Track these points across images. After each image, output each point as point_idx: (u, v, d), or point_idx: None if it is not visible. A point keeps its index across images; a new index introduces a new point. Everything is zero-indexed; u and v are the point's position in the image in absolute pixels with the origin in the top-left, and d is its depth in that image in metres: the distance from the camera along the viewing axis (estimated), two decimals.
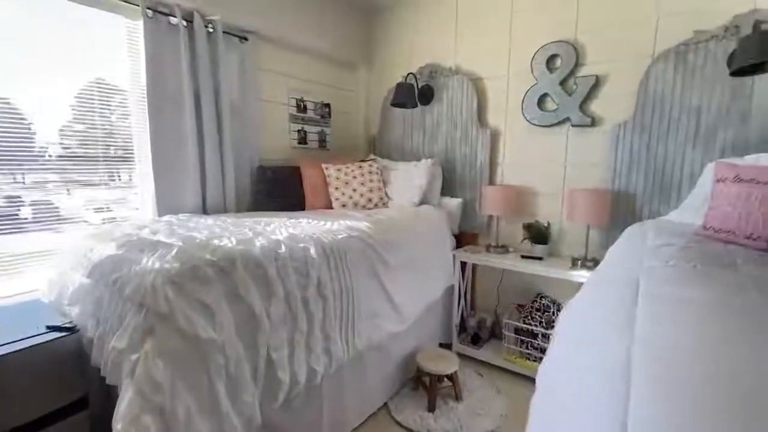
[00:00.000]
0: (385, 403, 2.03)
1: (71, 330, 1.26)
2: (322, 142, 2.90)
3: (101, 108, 1.85)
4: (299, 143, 2.74)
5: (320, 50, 2.75)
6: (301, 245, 1.48)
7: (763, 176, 1.35)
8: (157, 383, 0.98)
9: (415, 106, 2.71)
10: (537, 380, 0.90)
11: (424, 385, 2.10)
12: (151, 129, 1.87)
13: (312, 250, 1.48)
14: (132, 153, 1.97)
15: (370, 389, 1.91)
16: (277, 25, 2.41)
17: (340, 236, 1.67)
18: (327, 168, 2.53)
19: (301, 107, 2.72)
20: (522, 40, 2.38)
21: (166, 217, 1.82)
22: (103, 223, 1.92)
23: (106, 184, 1.92)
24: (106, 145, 1.88)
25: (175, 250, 1.20)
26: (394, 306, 1.90)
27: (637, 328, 0.76)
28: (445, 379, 2.04)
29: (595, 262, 2.10)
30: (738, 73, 1.62)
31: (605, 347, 0.74)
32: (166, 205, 1.97)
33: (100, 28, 1.83)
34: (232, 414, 1.13)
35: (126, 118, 1.93)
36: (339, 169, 2.53)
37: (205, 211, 2.14)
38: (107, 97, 1.87)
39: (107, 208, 1.96)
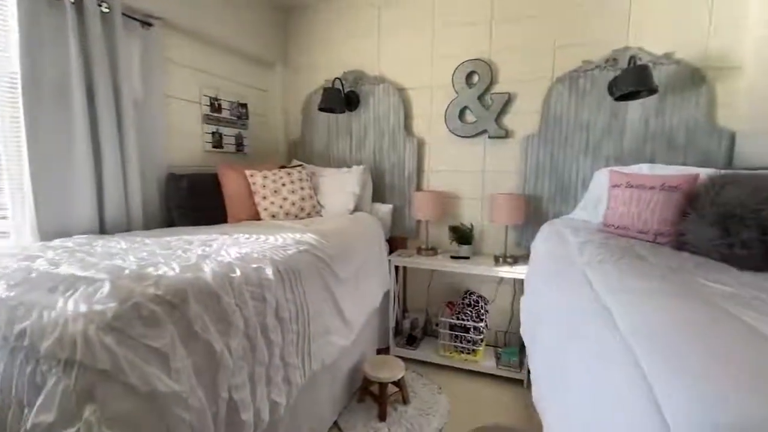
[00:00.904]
0: (335, 422, 1.95)
1: None
2: (239, 145, 2.63)
3: None
4: (214, 147, 2.44)
5: (234, 44, 2.50)
6: (254, 266, 1.32)
7: (648, 182, 1.69)
8: None
9: (343, 111, 2.66)
10: (533, 377, 0.98)
11: (372, 395, 2.08)
12: (26, 127, 1.44)
13: (268, 271, 1.33)
14: None
15: (321, 411, 1.82)
16: (186, 12, 2.10)
17: (290, 251, 1.54)
18: (252, 175, 2.31)
19: (216, 107, 2.42)
20: (443, 54, 2.53)
21: (57, 242, 1.42)
22: None
23: None
24: None
25: (107, 286, 0.95)
26: (344, 320, 1.83)
27: (616, 319, 0.88)
28: (391, 384, 2.05)
29: (514, 258, 2.36)
30: (620, 98, 2.02)
31: (603, 339, 0.84)
32: (50, 225, 1.53)
33: None
34: None
35: None
36: (266, 176, 2.33)
37: (103, 230, 1.74)
38: None
39: None
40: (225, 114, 2.50)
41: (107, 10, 1.68)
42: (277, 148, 3.00)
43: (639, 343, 0.74)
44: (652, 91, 1.93)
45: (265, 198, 2.29)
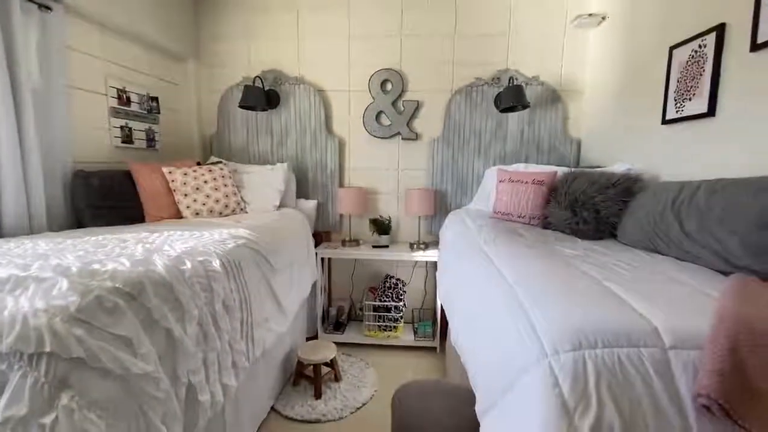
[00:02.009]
0: (272, 407, 2.06)
1: None
2: (150, 141, 2.50)
3: None
4: (123, 142, 2.28)
5: (140, 33, 2.35)
6: (200, 259, 1.39)
7: (524, 178, 2.17)
8: None
9: (265, 109, 2.72)
10: (452, 325, 1.28)
11: (306, 377, 2.24)
12: None
13: (215, 263, 1.41)
14: None
15: (260, 397, 1.92)
16: None
17: (230, 245, 1.62)
18: (170, 172, 2.24)
19: (124, 99, 2.27)
20: (360, 62, 2.77)
21: None
22: None
23: None
24: None
25: (64, 282, 0.96)
26: (281, 308, 1.95)
27: (504, 274, 1.23)
28: (323, 366, 2.23)
29: (426, 244, 2.73)
30: (503, 110, 2.50)
31: (496, 287, 1.17)
32: None
33: None
34: None
35: None
36: (185, 173, 2.28)
37: (1, 233, 1.57)
38: None
39: None
40: (134, 107, 2.35)
41: None
42: (191, 144, 2.89)
43: (519, 286, 1.08)
44: (525, 106, 2.45)
45: (186, 195, 2.25)
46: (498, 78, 2.64)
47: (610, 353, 0.81)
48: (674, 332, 0.83)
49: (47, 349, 0.84)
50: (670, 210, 1.46)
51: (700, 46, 1.63)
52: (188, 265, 1.29)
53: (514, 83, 2.49)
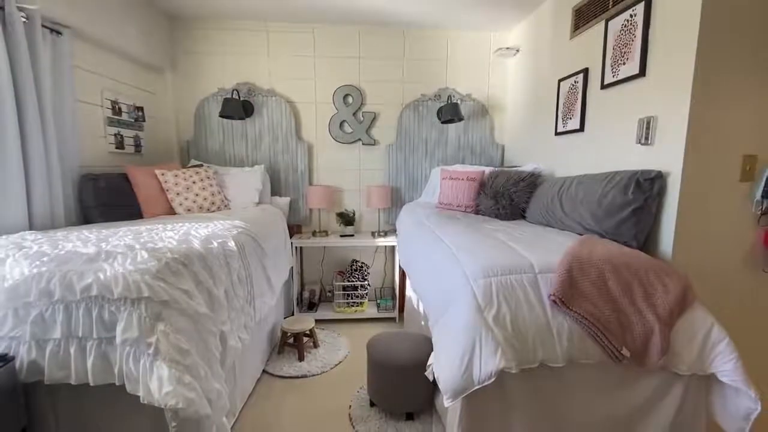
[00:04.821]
0: (264, 370, 2.47)
1: (4, 359, 1.15)
2: (137, 146, 2.76)
3: None
4: (117, 148, 2.54)
5: (127, 50, 2.62)
6: (220, 240, 1.79)
7: (461, 176, 2.78)
8: (184, 351, 1.24)
9: (243, 118, 3.07)
10: (411, 277, 1.80)
11: (290, 345, 2.66)
12: None
13: (230, 244, 1.82)
14: None
15: (254, 360, 2.32)
16: (90, 20, 2.22)
17: (234, 232, 2.02)
18: (163, 174, 2.55)
19: (116, 109, 2.52)
20: (324, 78, 3.22)
21: (16, 236, 1.56)
22: None
23: None
24: None
25: (145, 253, 1.35)
26: (271, 285, 2.37)
27: (446, 242, 1.79)
28: (304, 336, 2.67)
29: (385, 232, 3.27)
30: (444, 122, 3.10)
31: (440, 251, 1.73)
32: None
33: None
34: (222, 378, 1.45)
35: None
36: (176, 175, 2.60)
37: (31, 227, 1.83)
38: None
39: None
40: (125, 117, 2.61)
41: (26, 20, 1.79)
42: (171, 148, 3.16)
43: (455, 248, 1.65)
44: (461, 119, 3.08)
45: (179, 194, 2.57)
46: (439, 95, 3.24)
47: (505, 278, 1.39)
48: (540, 265, 1.43)
49: (145, 294, 1.24)
50: (556, 197, 2.12)
51: (575, 82, 2.32)
52: (214, 244, 1.70)
53: (452, 100, 3.11)
